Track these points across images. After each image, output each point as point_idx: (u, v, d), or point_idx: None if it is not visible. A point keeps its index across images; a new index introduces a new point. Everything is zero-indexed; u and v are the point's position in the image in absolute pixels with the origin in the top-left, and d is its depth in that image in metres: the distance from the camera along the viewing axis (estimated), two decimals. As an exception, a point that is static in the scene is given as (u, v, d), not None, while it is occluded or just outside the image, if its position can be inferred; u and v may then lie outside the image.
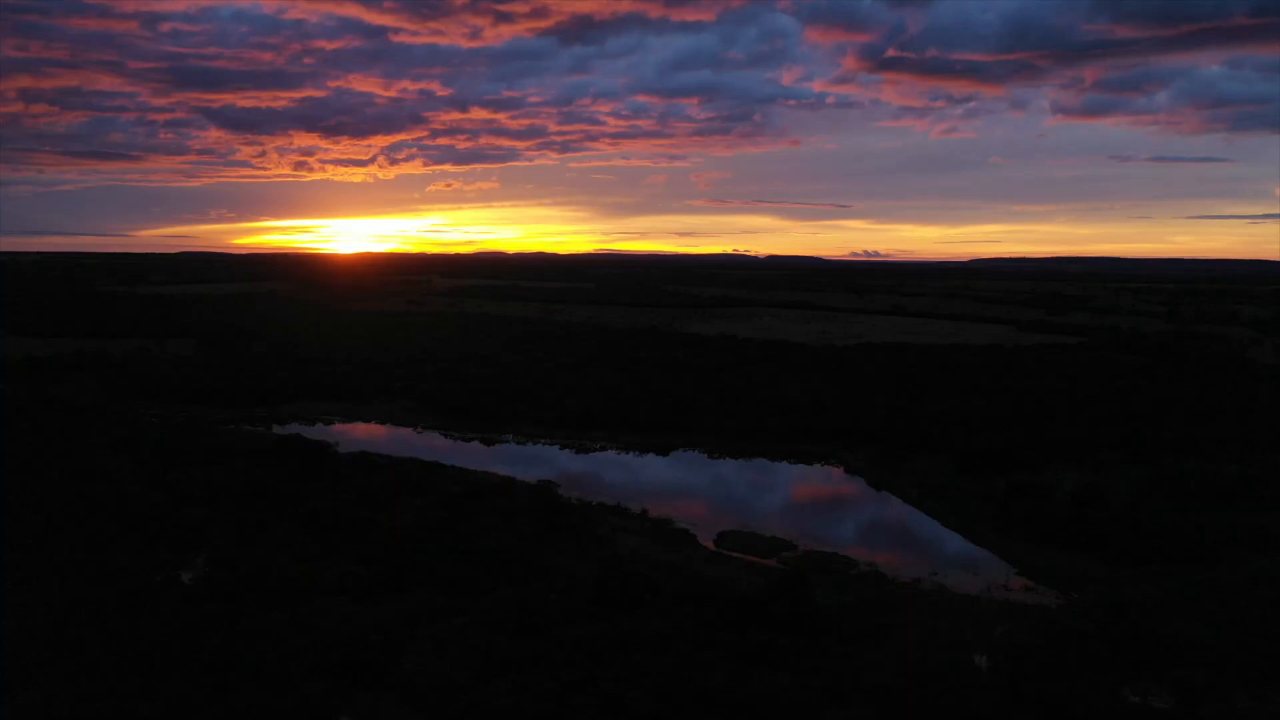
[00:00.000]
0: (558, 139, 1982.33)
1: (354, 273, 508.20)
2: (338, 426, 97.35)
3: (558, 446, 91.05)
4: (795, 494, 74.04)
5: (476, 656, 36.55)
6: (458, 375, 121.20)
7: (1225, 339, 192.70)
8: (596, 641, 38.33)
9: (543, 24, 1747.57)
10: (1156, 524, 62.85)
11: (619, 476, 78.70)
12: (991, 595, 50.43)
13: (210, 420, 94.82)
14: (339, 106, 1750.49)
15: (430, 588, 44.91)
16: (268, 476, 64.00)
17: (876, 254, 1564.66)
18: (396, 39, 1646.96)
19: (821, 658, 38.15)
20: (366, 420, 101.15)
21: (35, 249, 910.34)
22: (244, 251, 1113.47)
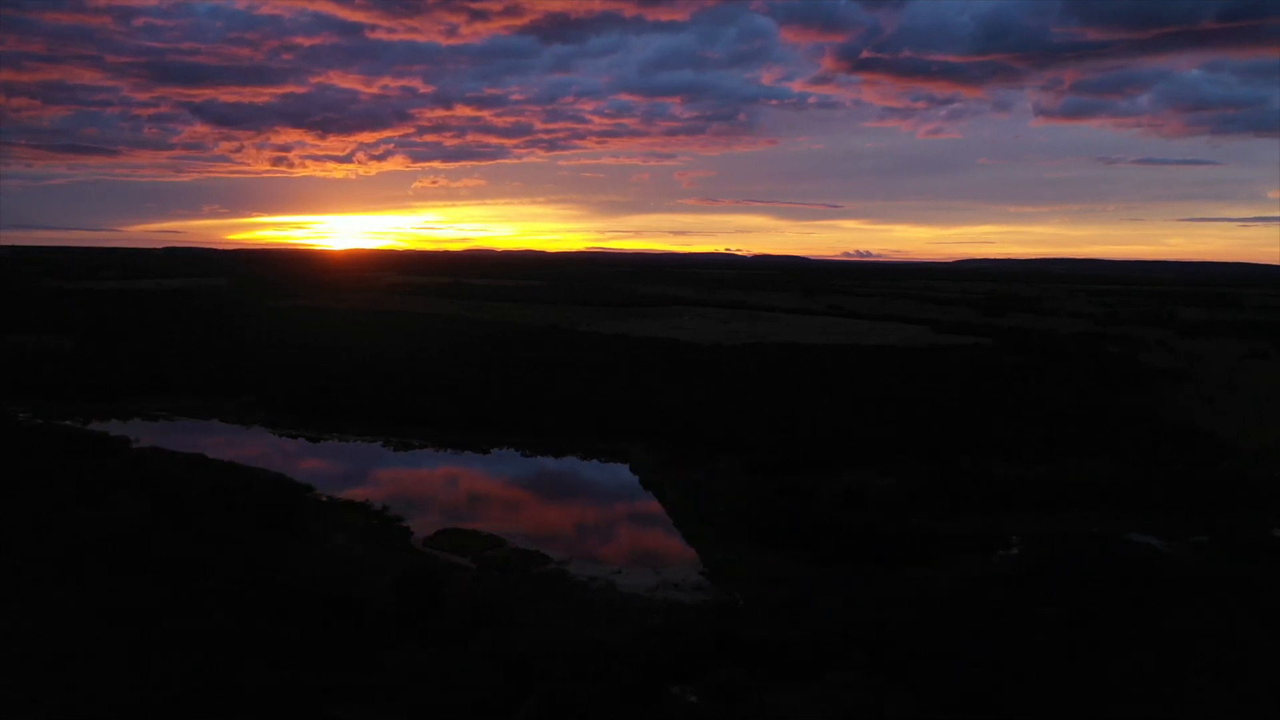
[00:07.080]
0: (545, 137, 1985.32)
1: (308, 269, 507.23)
2: (159, 423, 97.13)
3: (380, 444, 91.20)
4: (558, 492, 74.13)
5: (41, 646, 36.63)
6: (314, 371, 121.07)
7: (1132, 341, 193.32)
8: (173, 636, 38.45)
9: (518, 22, 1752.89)
10: (896, 525, 63.40)
11: (401, 473, 78.98)
12: (654, 595, 50.60)
13: (30, 415, 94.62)
14: (323, 102, 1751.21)
15: (68, 586, 44.87)
16: None
17: (869, 254, 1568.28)
18: (373, 35, 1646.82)
19: (389, 656, 38.27)
20: (199, 416, 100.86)
21: (27, 243, 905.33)
22: (234, 248, 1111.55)
